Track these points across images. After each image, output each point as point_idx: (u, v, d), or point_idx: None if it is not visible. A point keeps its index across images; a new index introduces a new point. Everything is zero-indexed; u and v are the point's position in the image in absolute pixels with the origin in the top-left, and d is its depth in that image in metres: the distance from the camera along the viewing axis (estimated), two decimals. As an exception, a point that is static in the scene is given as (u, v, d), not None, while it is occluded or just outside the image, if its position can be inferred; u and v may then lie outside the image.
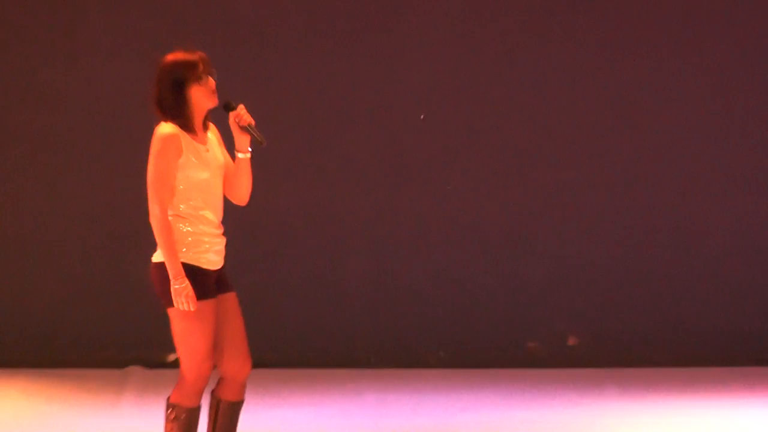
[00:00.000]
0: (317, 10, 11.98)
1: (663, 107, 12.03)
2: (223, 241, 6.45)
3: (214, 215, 6.38)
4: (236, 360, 6.45)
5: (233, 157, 6.31)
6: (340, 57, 12.03)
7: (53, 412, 9.97)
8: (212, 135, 6.36)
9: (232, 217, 7.05)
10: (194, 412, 6.42)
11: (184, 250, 6.28)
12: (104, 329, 11.45)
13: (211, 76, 6.28)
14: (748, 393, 10.54)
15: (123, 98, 11.41)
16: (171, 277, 6.13)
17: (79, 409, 10.02)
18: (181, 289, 6.15)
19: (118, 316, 11.70)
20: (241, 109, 6.28)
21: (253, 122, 6.39)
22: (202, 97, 6.22)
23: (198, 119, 6.27)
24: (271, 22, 12.01)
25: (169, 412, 6.41)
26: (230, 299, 6.47)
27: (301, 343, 11.80)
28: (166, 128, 6.16)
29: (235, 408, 6.60)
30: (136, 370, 11.06)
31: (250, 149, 6.35)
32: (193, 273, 6.26)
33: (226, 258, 6.46)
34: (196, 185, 6.28)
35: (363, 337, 11.71)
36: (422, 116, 11.60)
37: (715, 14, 12.01)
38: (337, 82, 11.92)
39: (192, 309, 6.19)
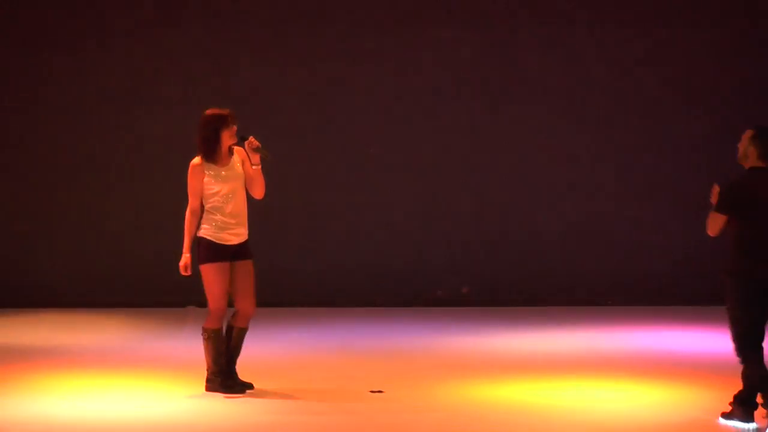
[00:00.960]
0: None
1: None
2: (239, 226, 8.93)
3: (231, 211, 8.90)
4: (244, 302, 8.96)
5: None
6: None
7: (138, 338, 11.98)
8: (236, 156, 8.99)
9: (259, 205, 9.24)
10: (217, 332, 8.97)
11: (209, 230, 8.92)
12: (169, 280, 12.13)
13: (234, 124, 8.99)
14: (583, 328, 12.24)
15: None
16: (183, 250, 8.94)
17: (156, 336, 12.14)
18: (183, 258, 8.93)
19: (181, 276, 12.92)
20: (251, 138, 8.97)
21: (259, 145, 9.01)
22: (228, 138, 8.99)
23: (223, 151, 8.93)
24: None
25: (202, 333, 9.03)
26: (245, 265, 8.97)
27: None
28: (194, 160, 8.97)
29: (241, 333, 9.07)
30: (192, 309, 13.14)
31: (259, 163, 9.00)
32: (213, 245, 8.92)
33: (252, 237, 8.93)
34: (214, 194, 8.95)
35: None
36: (371, 150, 13.59)
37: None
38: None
39: (186, 273, 8.92)
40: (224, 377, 9.02)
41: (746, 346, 7.98)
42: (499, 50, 13.68)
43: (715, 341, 11.18)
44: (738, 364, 7.99)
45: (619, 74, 13.67)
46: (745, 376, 7.99)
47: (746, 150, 8.06)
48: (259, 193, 9.12)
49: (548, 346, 11.26)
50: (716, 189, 8.01)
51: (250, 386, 9.08)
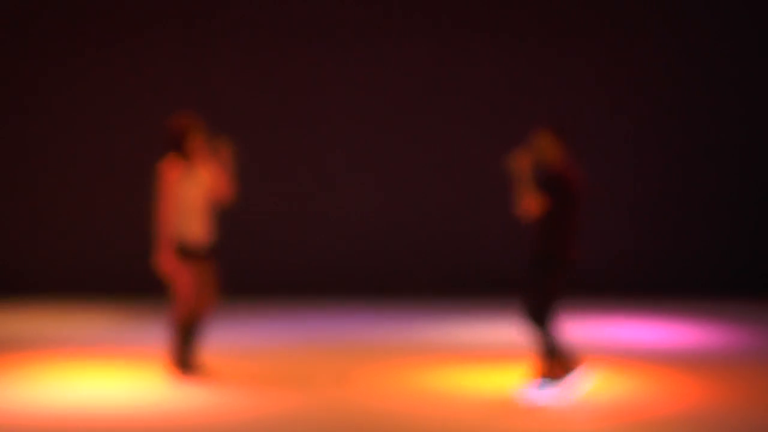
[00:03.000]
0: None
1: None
2: (207, 225, 9.02)
3: (201, 209, 9.03)
4: (205, 300, 9.24)
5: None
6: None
7: (130, 326, 11.81)
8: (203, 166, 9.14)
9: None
10: (190, 326, 9.16)
11: (179, 231, 9.05)
12: (152, 269, 13.26)
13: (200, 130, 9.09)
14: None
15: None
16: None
17: (149, 323, 11.99)
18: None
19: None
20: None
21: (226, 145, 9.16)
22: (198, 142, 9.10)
23: (193, 156, 9.04)
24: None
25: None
26: (211, 264, 9.19)
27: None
28: (164, 165, 9.15)
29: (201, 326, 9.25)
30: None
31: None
32: (183, 246, 9.10)
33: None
34: (185, 194, 9.13)
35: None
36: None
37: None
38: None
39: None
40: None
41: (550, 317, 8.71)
42: (456, 60, 13.83)
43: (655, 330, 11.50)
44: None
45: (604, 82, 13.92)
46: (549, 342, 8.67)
47: (546, 150, 8.66)
48: (226, 189, 9.29)
49: (507, 335, 11.35)
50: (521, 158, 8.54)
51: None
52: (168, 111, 13.02)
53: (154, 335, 11.29)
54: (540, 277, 8.67)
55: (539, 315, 8.70)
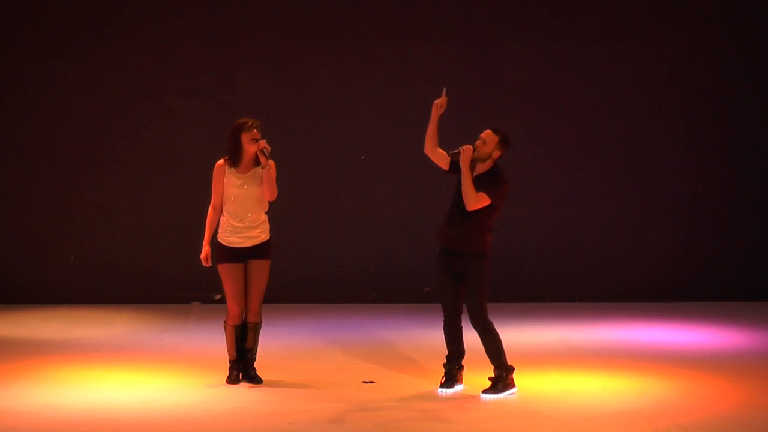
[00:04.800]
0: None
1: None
2: (250, 230, 9.03)
3: (240, 215, 9.07)
4: (249, 299, 9.10)
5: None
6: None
7: (146, 331, 11.86)
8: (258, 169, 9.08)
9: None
10: (231, 327, 9.17)
11: (221, 233, 9.18)
12: (175, 278, 13.36)
13: (254, 129, 9.04)
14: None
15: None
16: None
17: (162, 329, 11.99)
18: (203, 250, 9.09)
19: (185, 269, 13.23)
20: (262, 141, 9.00)
21: (267, 147, 9.03)
22: (247, 143, 9.05)
23: (245, 158, 9.01)
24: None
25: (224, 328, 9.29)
26: (257, 264, 9.06)
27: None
28: (219, 161, 9.15)
29: (249, 327, 9.19)
30: (197, 305, 13.31)
31: (266, 165, 9.04)
32: (223, 248, 9.14)
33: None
34: (228, 196, 9.16)
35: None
36: (363, 157, 13.57)
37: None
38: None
39: (206, 264, 9.04)
40: (233, 367, 9.32)
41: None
42: (482, 63, 13.79)
43: (675, 334, 11.51)
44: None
45: (595, 82, 13.78)
46: (494, 342, 8.87)
47: (492, 151, 8.84)
48: (268, 195, 9.22)
49: (527, 339, 11.32)
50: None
51: (255, 380, 9.26)
52: (196, 118, 13.03)
53: (186, 339, 11.38)
54: (479, 277, 8.84)
55: (485, 313, 8.92)
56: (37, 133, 13.64)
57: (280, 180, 12.39)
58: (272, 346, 10.89)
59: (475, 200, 8.71)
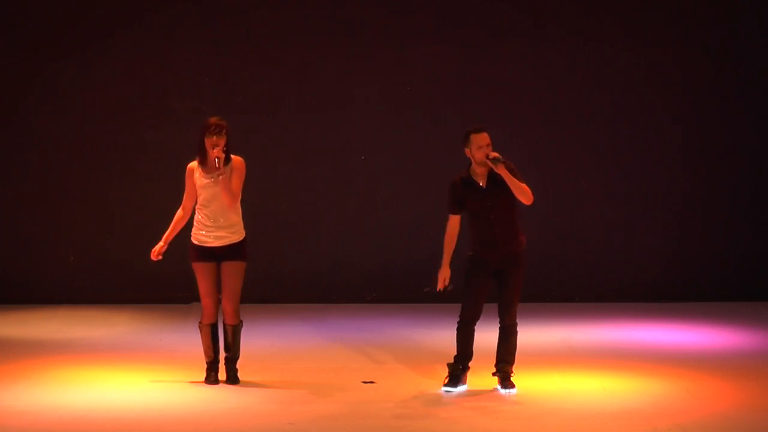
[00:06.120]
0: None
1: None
2: (220, 230, 8.97)
3: (209, 214, 9.05)
4: (224, 301, 9.06)
5: None
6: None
7: (146, 331, 12.02)
8: (231, 165, 9.03)
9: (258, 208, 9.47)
10: (206, 327, 9.15)
11: (193, 231, 9.16)
12: (175, 278, 12.99)
13: (215, 134, 9.00)
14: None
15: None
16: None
17: (162, 329, 12.10)
18: (157, 245, 9.08)
19: (185, 270, 11.81)
20: (217, 153, 8.98)
21: (221, 157, 9.01)
22: (209, 146, 9.03)
23: (210, 158, 8.98)
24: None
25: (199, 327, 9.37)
26: (230, 266, 9.01)
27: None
28: (191, 163, 9.15)
29: (229, 329, 9.15)
30: (197, 305, 11.94)
31: (221, 174, 9.02)
32: (194, 246, 9.13)
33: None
34: (198, 196, 9.15)
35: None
36: (363, 157, 13.64)
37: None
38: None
39: (154, 258, 9.05)
40: (210, 368, 9.30)
41: None
42: (482, 63, 13.80)
43: (675, 334, 11.57)
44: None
45: (595, 82, 13.83)
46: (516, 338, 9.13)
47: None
48: (226, 199, 9.12)
49: (527, 339, 10.98)
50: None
51: (232, 381, 9.21)
52: (194, 117, 13.04)
53: (185, 339, 11.40)
54: (521, 273, 9.10)
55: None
56: (38, 133, 13.69)
57: (280, 180, 12.91)
58: (272, 346, 10.97)
59: (528, 191, 8.94)
